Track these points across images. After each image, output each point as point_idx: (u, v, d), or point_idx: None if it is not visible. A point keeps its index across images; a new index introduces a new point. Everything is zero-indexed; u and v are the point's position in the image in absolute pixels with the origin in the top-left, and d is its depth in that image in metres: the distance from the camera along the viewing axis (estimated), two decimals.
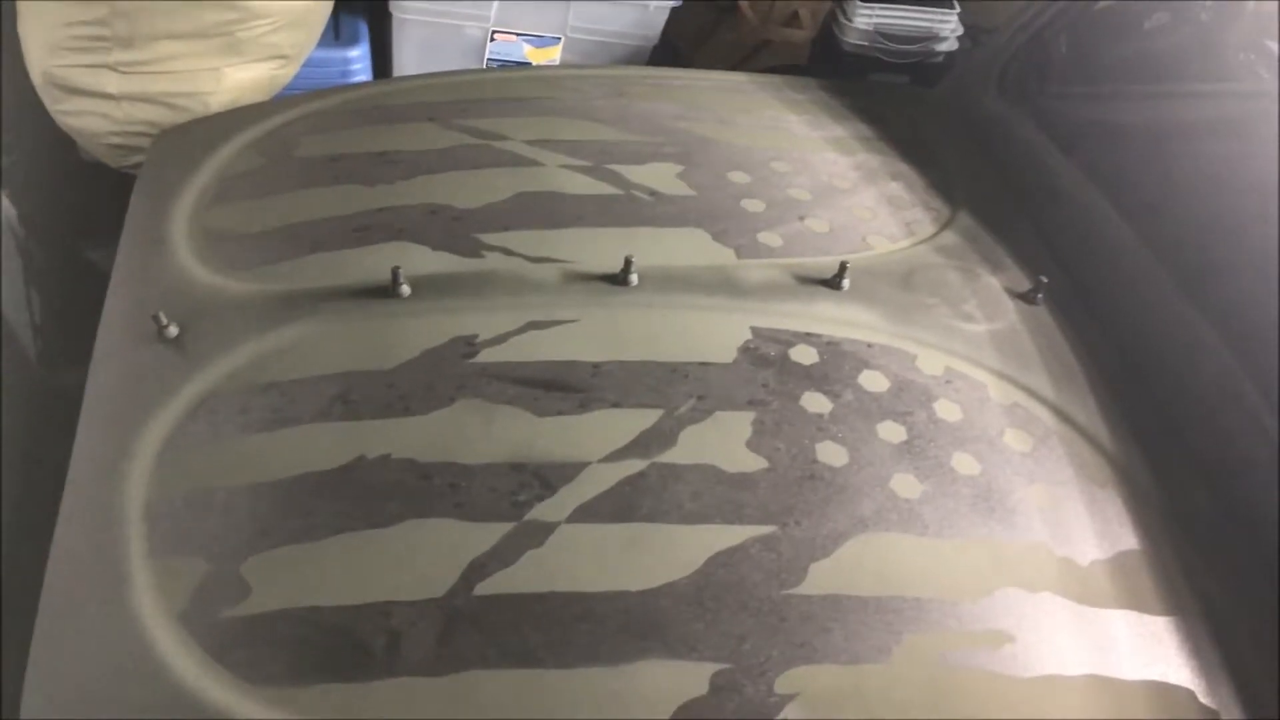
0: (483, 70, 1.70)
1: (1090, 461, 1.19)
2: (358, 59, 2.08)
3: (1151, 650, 1.05)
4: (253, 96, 1.86)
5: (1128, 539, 1.13)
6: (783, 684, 0.96)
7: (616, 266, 1.28)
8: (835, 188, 1.51)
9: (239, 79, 1.81)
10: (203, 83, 1.78)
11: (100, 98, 1.74)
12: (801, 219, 1.43)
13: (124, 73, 1.73)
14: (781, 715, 0.94)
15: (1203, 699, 1.02)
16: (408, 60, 2.18)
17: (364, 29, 2.11)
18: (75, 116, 1.77)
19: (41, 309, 1.93)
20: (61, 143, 1.89)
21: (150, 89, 1.75)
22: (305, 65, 1.96)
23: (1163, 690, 1.02)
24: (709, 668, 0.96)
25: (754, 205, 1.43)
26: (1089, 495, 1.16)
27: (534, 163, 1.44)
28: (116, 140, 1.81)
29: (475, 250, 1.29)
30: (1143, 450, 1.22)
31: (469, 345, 1.18)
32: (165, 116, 1.78)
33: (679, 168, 1.48)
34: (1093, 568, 1.09)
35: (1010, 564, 1.08)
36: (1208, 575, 1.12)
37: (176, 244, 1.32)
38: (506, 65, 2.21)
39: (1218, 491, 1.20)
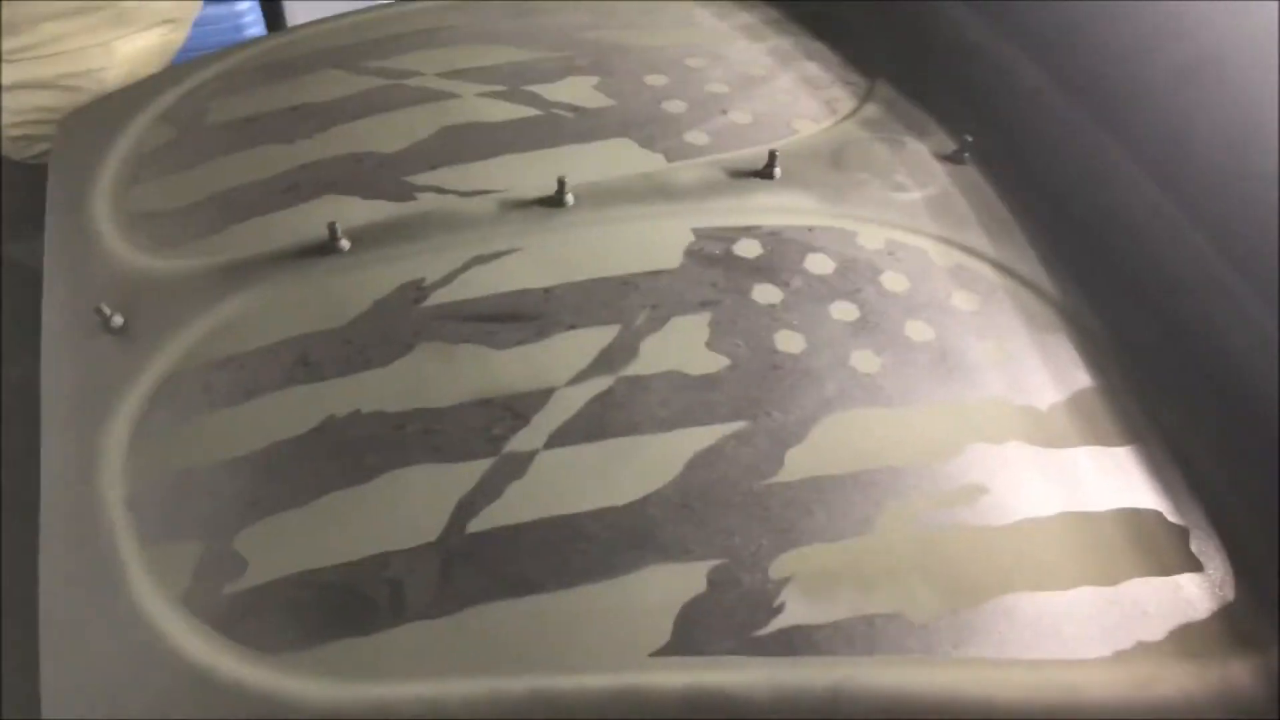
0: (378, 6, 1.66)
1: (1037, 310, 1.23)
2: (248, 11, 2.03)
3: (1117, 479, 1.10)
4: (148, 66, 1.81)
5: (1081, 378, 1.17)
6: (776, 569, 0.99)
7: (550, 189, 1.28)
8: (752, 76, 1.51)
9: (131, 50, 1.77)
10: (95, 59, 1.73)
11: None
12: (724, 113, 1.43)
13: (12, 61, 1.68)
14: (780, 599, 0.98)
15: (1170, 518, 1.07)
16: (299, 4, 2.12)
17: None
18: None
19: None
20: None
21: (42, 73, 1.70)
22: (196, 26, 1.91)
23: (1132, 515, 1.07)
24: (704, 565, 0.99)
25: (675, 106, 1.43)
26: (1040, 343, 1.19)
27: (449, 95, 1.43)
28: (16, 132, 1.76)
29: (407, 193, 1.29)
30: (1085, 292, 1.25)
31: (418, 290, 1.18)
32: (62, 100, 1.73)
33: (595, 79, 1.47)
34: (1052, 411, 1.13)
35: (974, 420, 1.11)
36: (1160, 401, 1.16)
37: (103, 231, 1.30)
38: None
39: (1159, 319, 1.24)
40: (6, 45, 1.65)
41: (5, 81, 1.69)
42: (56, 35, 1.68)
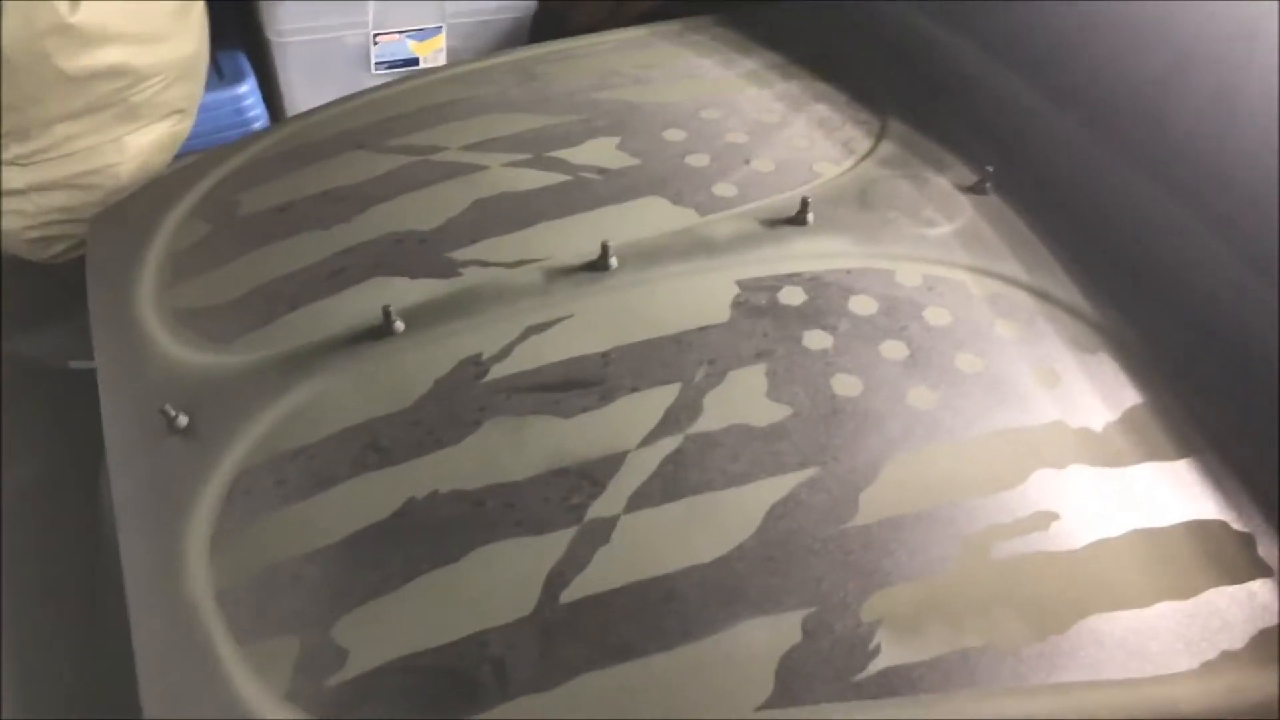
0: (388, 85, 1.69)
1: (1078, 332, 1.26)
2: (248, 94, 2.05)
3: (1179, 493, 1.13)
4: (158, 157, 1.83)
5: (1130, 396, 1.20)
6: (867, 613, 1.01)
7: (592, 253, 1.30)
8: (767, 124, 1.55)
9: (142, 143, 1.78)
10: (108, 156, 1.74)
11: (8, 196, 1.70)
12: (747, 162, 1.46)
13: (25, 165, 1.69)
14: (875, 641, 1.00)
15: (1235, 526, 1.11)
16: (296, 82, 2.15)
17: (245, 63, 2.08)
18: None
19: None
20: None
21: (57, 174, 1.71)
22: (198, 111, 1.92)
23: (1199, 527, 1.10)
24: (797, 615, 1.01)
25: (698, 160, 1.46)
26: (1085, 364, 1.23)
27: (477, 167, 1.45)
28: (35, 234, 1.77)
29: (452, 269, 1.31)
30: (1120, 310, 1.29)
31: (477, 365, 1.20)
32: (78, 199, 1.74)
33: (616, 139, 1.50)
34: (1108, 431, 1.17)
35: (1035, 447, 1.14)
36: (1208, 411, 1.20)
37: (153, 332, 1.31)
38: (395, 65, 2.19)
39: (1194, 329, 1.28)
40: (20, 151, 1.66)
41: (21, 186, 1.69)
42: (69, 136, 1.69)
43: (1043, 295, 1.30)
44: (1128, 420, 1.18)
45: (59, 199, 1.73)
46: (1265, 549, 1.09)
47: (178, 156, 1.88)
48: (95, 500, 1.80)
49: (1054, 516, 1.09)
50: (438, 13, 2.15)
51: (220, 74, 2.03)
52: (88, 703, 1.60)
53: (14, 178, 1.68)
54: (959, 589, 1.04)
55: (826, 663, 0.99)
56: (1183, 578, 1.07)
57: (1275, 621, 1.05)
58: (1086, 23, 1.50)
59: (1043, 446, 1.14)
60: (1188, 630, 1.03)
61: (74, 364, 2.03)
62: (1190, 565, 1.08)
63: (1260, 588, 1.07)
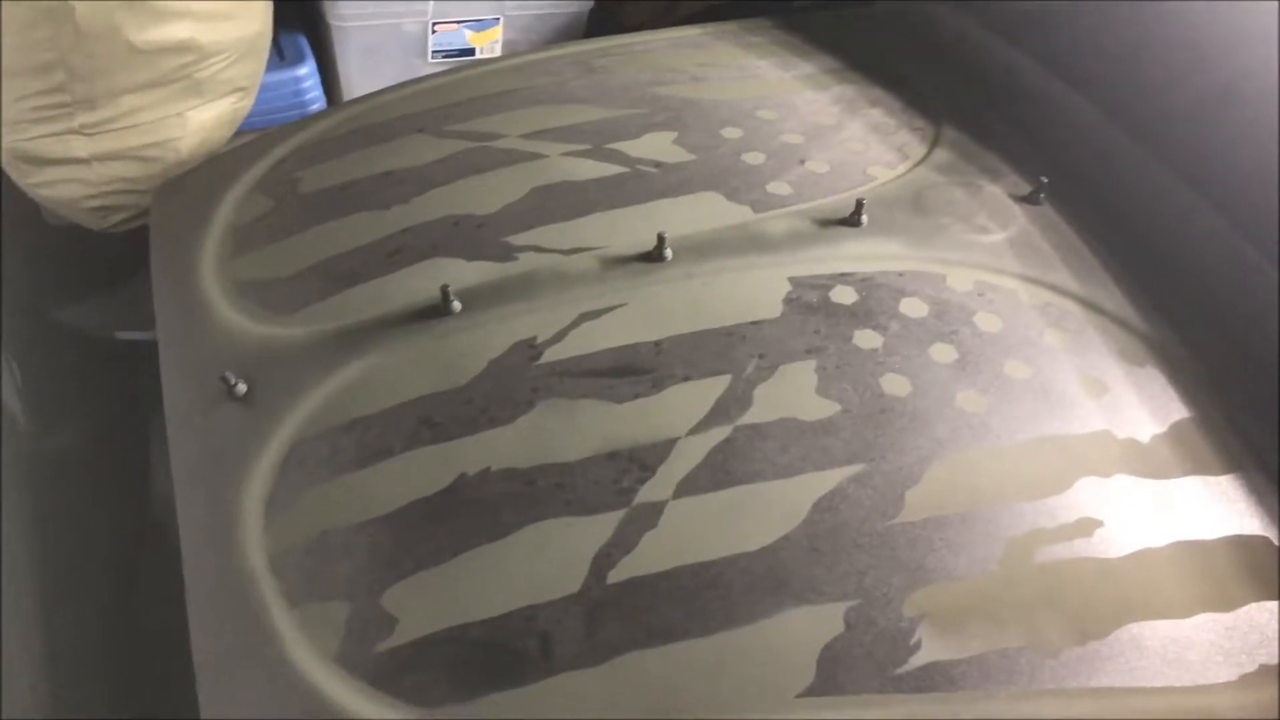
0: (450, 72, 1.71)
1: (1126, 344, 1.27)
2: (307, 76, 2.07)
3: (1223, 508, 1.13)
4: (219, 133, 1.86)
5: (1177, 409, 1.21)
6: (909, 608, 1.03)
7: (647, 244, 1.32)
8: (823, 125, 1.56)
9: (203, 119, 1.81)
10: (170, 129, 1.77)
11: (72, 164, 1.73)
12: (802, 163, 1.48)
13: (91, 134, 1.72)
14: (916, 636, 1.01)
15: (1278, 542, 1.11)
16: (354, 67, 2.18)
17: (306, 45, 2.10)
18: (49, 187, 1.76)
19: (22, 375, 1.93)
20: (17, 209, 1.88)
21: (120, 145, 1.75)
22: (257, 91, 1.95)
23: (1242, 542, 1.11)
24: (840, 607, 1.02)
25: (754, 158, 1.48)
26: (1133, 376, 1.23)
27: (536, 155, 1.47)
28: (95, 203, 1.80)
29: (508, 254, 1.33)
30: (1170, 324, 1.30)
31: (531, 348, 1.22)
32: (139, 170, 1.77)
33: (673, 134, 1.52)
34: (1154, 443, 1.17)
35: (1081, 455, 1.15)
36: (1256, 428, 1.20)
37: (214, 301, 1.33)
38: (451, 55, 2.22)
39: (1240, 344, 1.29)
40: (86, 120, 1.69)
41: (85, 155, 1.72)
42: (134, 108, 1.72)
43: (1093, 306, 1.30)
44: (1174, 433, 1.19)
45: (120, 169, 1.76)
46: None
47: (236, 135, 1.91)
48: (143, 466, 1.84)
49: (1098, 524, 1.10)
50: (496, 5, 2.17)
51: (281, 55, 2.06)
52: (123, 671, 1.63)
53: (78, 146, 1.71)
54: (1001, 590, 1.05)
55: (868, 655, 1.00)
56: (1224, 591, 1.07)
57: None
58: (1144, 38, 1.51)
59: (1088, 455, 1.15)
60: (1227, 642, 1.04)
61: (121, 334, 2.06)
62: (1232, 579, 1.08)
63: None
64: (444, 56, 2.22)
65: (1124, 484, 1.13)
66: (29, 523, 1.64)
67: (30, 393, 1.88)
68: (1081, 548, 1.08)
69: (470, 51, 2.24)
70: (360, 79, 2.18)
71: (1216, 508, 1.13)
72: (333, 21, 2.10)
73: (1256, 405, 1.23)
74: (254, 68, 1.89)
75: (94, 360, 2.03)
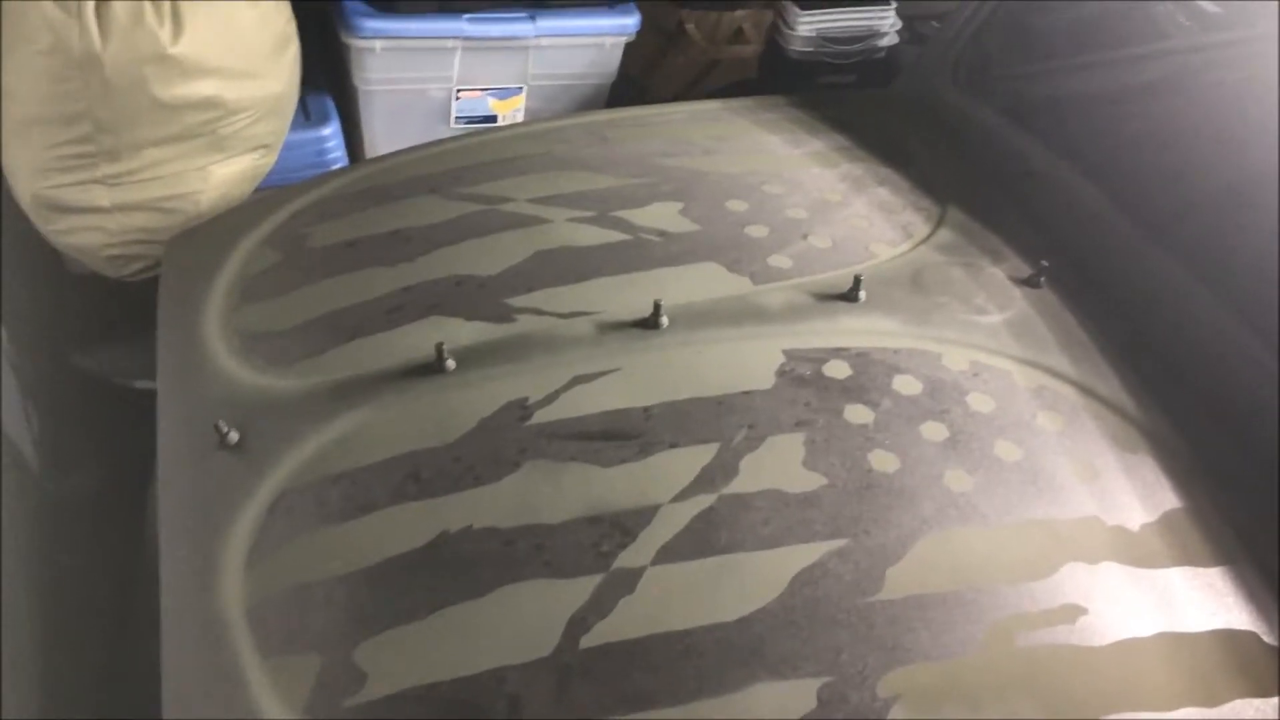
0: (464, 136, 1.75)
1: (1120, 430, 1.26)
2: (331, 136, 2.11)
3: (1212, 601, 1.11)
4: (240, 189, 1.89)
5: (1169, 499, 1.20)
6: (884, 688, 1.01)
7: (644, 311, 1.33)
8: (828, 202, 1.58)
9: (225, 174, 1.85)
10: (192, 183, 1.81)
11: (93, 212, 1.77)
12: (804, 238, 1.49)
13: (113, 185, 1.76)
14: (889, 717, 0.99)
15: (1266, 639, 1.09)
16: (378, 130, 2.22)
17: (332, 106, 2.15)
18: (70, 234, 1.80)
19: (38, 420, 1.95)
20: (42, 255, 1.91)
21: (141, 197, 1.78)
22: (281, 149, 1.99)
23: (1229, 637, 1.09)
24: (813, 683, 1.01)
25: (757, 231, 1.49)
26: (1125, 463, 1.22)
27: (542, 220, 1.49)
28: (114, 252, 1.83)
29: (507, 315, 1.34)
30: (1165, 412, 1.29)
31: (522, 409, 1.23)
32: (159, 221, 1.81)
33: (679, 204, 1.53)
34: (1143, 531, 1.16)
35: (1068, 540, 1.14)
36: (1248, 522, 1.18)
37: (215, 350, 1.35)
38: (474, 121, 2.26)
39: (1237, 437, 1.27)
40: (109, 171, 1.73)
41: (106, 204, 1.76)
42: (157, 160, 1.76)
43: (1088, 391, 1.30)
44: (1165, 523, 1.17)
45: (140, 220, 1.80)
46: None
47: (257, 191, 1.94)
48: (140, 515, 1.85)
49: (1082, 611, 1.08)
50: (521, 73, 2.22)
51: (307, 115, 2.11)
52: (114, 708, 1.62)
53: (100, 196, 1.75)
54: (980, 673, 1.03)
55: None
56: (1209, 685, 1.05)
57: None
58: (1159, 134, 1.52)
59: (1076, 540, 1.14)
60: None
61: (139, 384, 2.08)
62: (1218, 673, 1.06)
63: None
64: (467, 122, 2.27)
65: (1111, 571, 1.12)
66: (31, 561, 1.65)
67: (45, 436, 1.90)
68: (1064, 634, 1.06)
69: (493, 119, 2.28)
70: (384, 142, 2.23)
71: (1205, 600, 1.11)
72: (359, 85, 2.15)
73: (1251, 498, 1.21)
74: (278, 126, 1.93)
75: (110, 408, 2.05)
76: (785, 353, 1.30)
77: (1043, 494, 1.18)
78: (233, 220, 1.60)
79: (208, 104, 1.73)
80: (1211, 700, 1.04)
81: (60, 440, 1.94)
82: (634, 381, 1.26)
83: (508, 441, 1.20)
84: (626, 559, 1.09)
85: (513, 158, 1.65)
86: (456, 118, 2.25)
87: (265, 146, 1.91)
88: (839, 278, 1.41)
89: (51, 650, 1.63)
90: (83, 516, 1.89)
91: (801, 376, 1.27)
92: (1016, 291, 1.42)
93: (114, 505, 1.92)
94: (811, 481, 1.16)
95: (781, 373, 1.27)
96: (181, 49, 1.63)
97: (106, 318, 2.11)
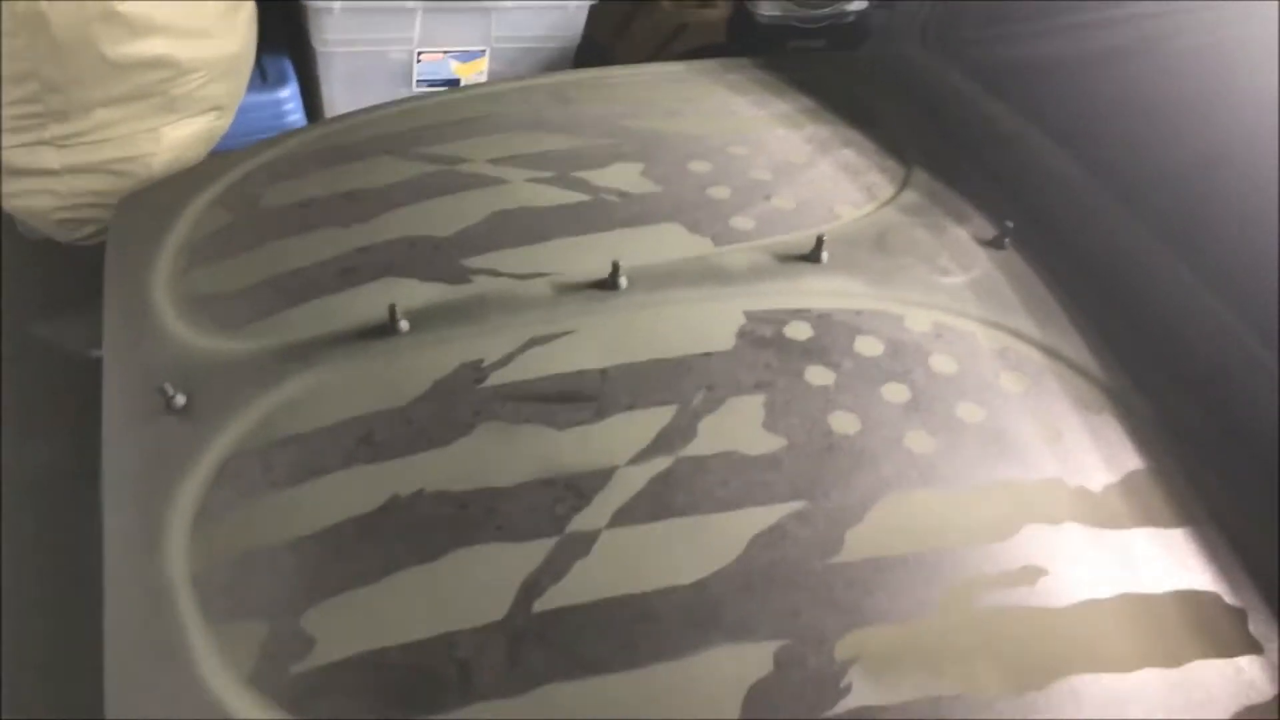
0: (424, 96, 1.71)
1: (1084, 391, 1.25)
2: (289, 98, 2.07)
3: (1173, 562, 1.10)
4: (193, 151, 1.85)
5: (1132, 460, 1.19)
6: (841, 650, 1.00)
7: (603, 272, 1.30)
8: (793, 163, 1.55)
9: (178, 136, 1.80)
10: (143, 145, 1.76)
11: (43, 175, 1.72)
12: (767, 199, 1.47)
13: (62, 146, 1.71)
14: (846, 680, 0.98)
15: (1228, 600, 1.08)
16: (338, 92, 2.17)
17: (290, 68, 2.10)
18: (18, 197, 1.75)
19: None
20: None
21: (92, 158, 1.74)
22: (238, 111, 1.95)
23: (1191, 597, 1.08)
24: (770, 646, 0.99)
25: (720, 192, 1.47)
26: (1089, 424, 1.21)
27: (500, 181, 1.46)
28: (64, 215, 1.79)
29: (463, 276, 1.31)
30: (1129, 373, 1.27)
31: (477, 370, 1.20)
32: (110, 184, 1.76)
33: (640, 165, 1.51)
34: (1106, 492, 1.15)
35: (1030, 501, 1.13)
36: (1211, 482, 1.18)
37: (163, 313, 1.32)
38: (435, 84, 2.22)
39: (1202, 399, 1.27)
40: (59, 131, 1.69)
41: (56, 166, 1.72)
42: (108, 122, 1.71)
43: (1052, 353, 1.28)
44: (1127, 484, 1.16)
45: (91, 182, 1.75)
46: (1257, 626, 1.07)
47: (212, 154, 1.90)
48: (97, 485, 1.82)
49: (1042, 572, 1.07)
50: (483, 35, 2.17)
51: (264, 76, 2.06)
52: (79, 689, 1.60)
53: (50, 158, 1.70)
54: (939, 635, 1.02)
55: (796, 697, 0.97)
56: (1170, 646, 1.04)
57: (1262, 699, 1.02)
58: (1134, 101, 1.50)
59: (1037, 501, 1.13)
60: (1170, 699, 1.01)
61: (96, 353, 2.04)
62: (1179, 635, 1.05)
63: (1249, 664, 1.04)
64: (429, 85, 2.22)
65: (1073, 533, 1.11)
66: None
67: (6, 406, 1.87)
68: (1024, 596, 1.05)
69: (455, 82, 2.24)
70: (344, 105, 2.17)
71: (1167, 561, 1.10)
72: (318, 46, 2.10)
73: (1214, 459, 1.20)
74: (233, 87, 1.88)
75: (70, 376, 2.02)
76: (746, 314, 1.28)
77: (1004, 455, 1.16)
78: (183, 181, 1.56)
79: (158, 63, 1.68)
80: (1173, 661, 1.03)
81: (23, 412, 1.91)
82: (591, 343, 1.23)
83: (462, 404, 1.17)
84: (581, 522, 1.07)
85: (472, 118, 1.62)
86: (418, 80, 2.21)
87: (220, 108, 1.86)
88: (802, 239, 1.38)
89: (5, 618, 1.60)
90: (49, 485, 1.85)
91: (762, 338, 1.25)
92: (981, 253, 1.41)
93: (79, 473, 1.88)
94: (771, 443, 1.14)
95: (742, 334, 1.25)
96: (129, 5, 1.58)
97: (63, 287, 2.07)
